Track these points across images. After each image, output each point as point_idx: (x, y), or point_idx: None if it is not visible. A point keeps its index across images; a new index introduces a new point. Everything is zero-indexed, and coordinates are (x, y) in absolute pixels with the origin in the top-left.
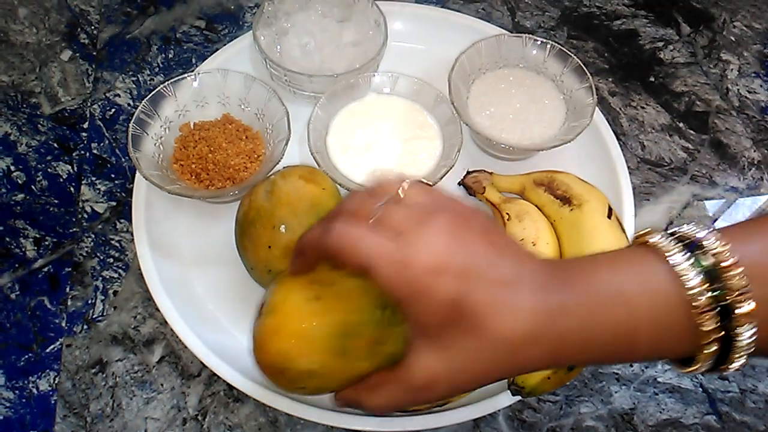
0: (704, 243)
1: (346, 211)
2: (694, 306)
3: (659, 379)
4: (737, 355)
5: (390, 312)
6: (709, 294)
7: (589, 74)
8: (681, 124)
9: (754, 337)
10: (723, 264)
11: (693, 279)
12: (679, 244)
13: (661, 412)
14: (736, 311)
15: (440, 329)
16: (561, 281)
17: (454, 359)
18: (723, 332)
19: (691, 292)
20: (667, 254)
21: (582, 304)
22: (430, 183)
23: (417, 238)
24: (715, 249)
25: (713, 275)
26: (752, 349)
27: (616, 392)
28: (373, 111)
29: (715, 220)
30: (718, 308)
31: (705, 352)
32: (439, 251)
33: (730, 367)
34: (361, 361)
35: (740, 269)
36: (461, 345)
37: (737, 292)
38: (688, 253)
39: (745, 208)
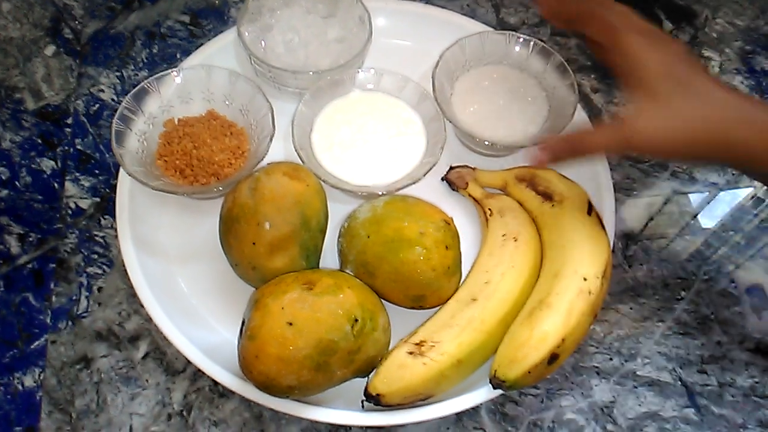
0: None
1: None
2: None
3: (639, 373)
4: None
5: (361, 323)
6: None
7: (571, 71)
8: None
9: None
10: None
11: None
12: None
13: (640, 405)
14: None
15: (668, 92)
16: (753, 100)
17: (675, 116)
18: None
19: None
20: None
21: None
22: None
23: (656, 34)
24: None
25: None
26: None
27: (596, 386)
28: (358, 108)
29: (696, 215)
30: None
31: None
32: (671, 47)
33: None
34: (339, 371)
35: None
36: (683, 106)
37: None
38: None
39: (725, 203)
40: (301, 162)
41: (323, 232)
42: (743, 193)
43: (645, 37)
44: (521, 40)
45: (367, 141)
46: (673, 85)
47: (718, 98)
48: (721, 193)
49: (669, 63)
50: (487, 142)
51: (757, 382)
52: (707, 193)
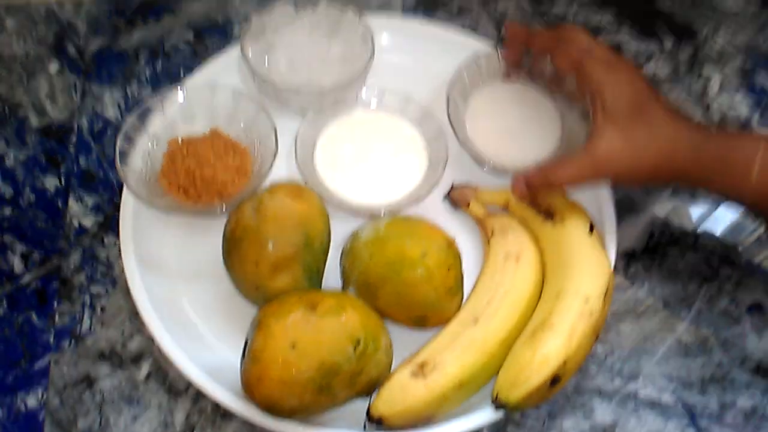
0: None
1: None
2: None
3: (640, 394)
4: None
5: (363, 345)
6: None
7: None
8: None
9: None
10: None
11: None
12: None
13: (641, 427)
14: None
15: (626, 117)
16: (705, 129)
17: (633, 138)
18: None
19: None
20: None
21: (718, 140)
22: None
23: (621, 63)
24: None
25: None
26: None
27: (597, 407)
28: (360, 126)
29: (696, 229)
30: None
31: None
32: (634, 78)
33: None
34: (342, 392)
35: None
36: (639, 131)
37: None
38: None
39: (725, 221)
40: (303, 181)
41: (326, 252)
42: (743, 210)
43: (607, 66)
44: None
45: (370, 160)
46: (632, 113)
47: (670, 129)
48: (722, 211)
49: (629, 91)
50: (495, 166)
51: (758, 403)
52: (708, 211)
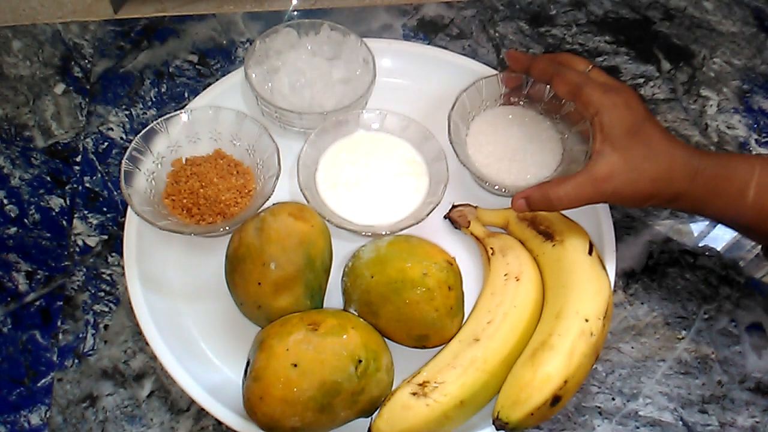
0: None
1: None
2: None
3: (641, 413)
4: None
5: (364, 364)
6: None
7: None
8: None
9: None
10: None
11: None
12: None
13: None
14: None
15: (624, 138)
16: (700, 152)
17: (631, 159)
18: None
19: None
20: None
21: (714, 163)
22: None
23: (618, 87)
24: None
25: None
26: None
27: (598, 426)
28: (362, 147)
29: (692, 253)
30: None
31: None
32: (631, 100)
33: None
34: (343, 411)
35: None
36: (637, 151)
37: None
38: None
39: (724, 240)
40: (306, 201)
41: (327, 271)
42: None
43: (604, 89)
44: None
45: (371, 181)
46: (630, 133)
47: (667, 149)
48: (720, 230)
49: (626, 114)
50: (497, 187)
51: (757, 422)
52: (706, 229)
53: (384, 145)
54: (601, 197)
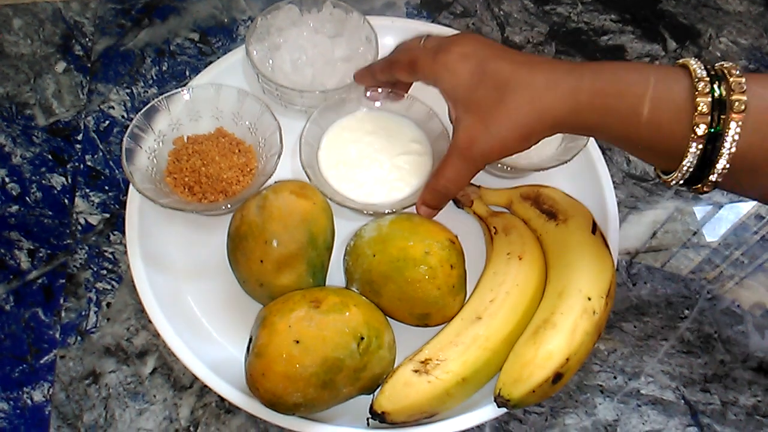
0: (725, 70)
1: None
2: (697, 90)
3: (642, 392)
4: (718, 163)
5: (366, 341)
6: (711, 87)
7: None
8: None
9: (733, 146)
10: (733, 77)
11: (701, 71)
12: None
13: (644, 424)
14: (732, 109)
15: (470, 94)
16: (581, 67)
17: (484, 112)
18: (711, 130)
19: (697, 81)
20: (692, 67)
21: (598, 77)
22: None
23: (449, 43)
24: (732, 75)
25: (719, 78)
26: (726, 166)
27: (600, 404)
28: (365, 126)
29: (695, 233)
30: (714, 108)
31: (690, 150)
32: (465, 49)
33: (707, 180)
34: (345, 388)
35: (743, 80)
36: (487, 100)
37: (736, 93)
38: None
39: (728, 221)
40: (308, 179)
41: (330, 249)
42: (745, 211)
43: (434, 55)
44: None
45: (374, 159)
46: (474, 89)
47: (523, 83)
48: (724, 211)
49: (463, 70)
50: (500, 165)
51: (759, 401)
52: (710, 210)
53: (387, 123)
54: (474, 166)
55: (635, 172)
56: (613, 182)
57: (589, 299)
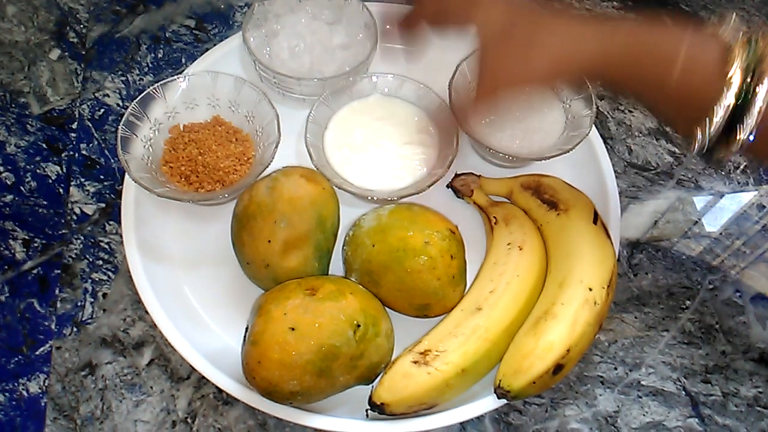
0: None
1: None
2: (728, 50)
3: (643, 383)
4: (744, 125)
5: (363, 329)
6: (745, 50)
7: (589, 84)
8: (668, 129)
9: (761, 111)
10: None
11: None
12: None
13: (644, 415)
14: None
15: (505, 29)
16: (615, 24)
17: (518, 45)
18: (740, 91)
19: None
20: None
21: (631, 33)
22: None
23: None
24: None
25: (752, 43)
26: (752, 132)
27: (600, 395)
28: (375, 111)
29: (696, 223)
30: (748, 72)
31: (720, 108)
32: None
33: (733, 140)
34: (342, 376)
35: None
36: (522, 37)
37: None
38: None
39: (729, 210)
40: (310, 158)
41: (336, 234)
42: (747, 201)
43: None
44: None
45: (379, 146)
46: (523, 27)
47: (573, 29)
48: (726, 201)
49: (514, 10)
50: (502, 154)
51: (760, 392)
52: (711, 200)
53: (397, 110)
54: (502, 87)
55: (637, 161)
56: (615, 172)
57: (590, 290)
